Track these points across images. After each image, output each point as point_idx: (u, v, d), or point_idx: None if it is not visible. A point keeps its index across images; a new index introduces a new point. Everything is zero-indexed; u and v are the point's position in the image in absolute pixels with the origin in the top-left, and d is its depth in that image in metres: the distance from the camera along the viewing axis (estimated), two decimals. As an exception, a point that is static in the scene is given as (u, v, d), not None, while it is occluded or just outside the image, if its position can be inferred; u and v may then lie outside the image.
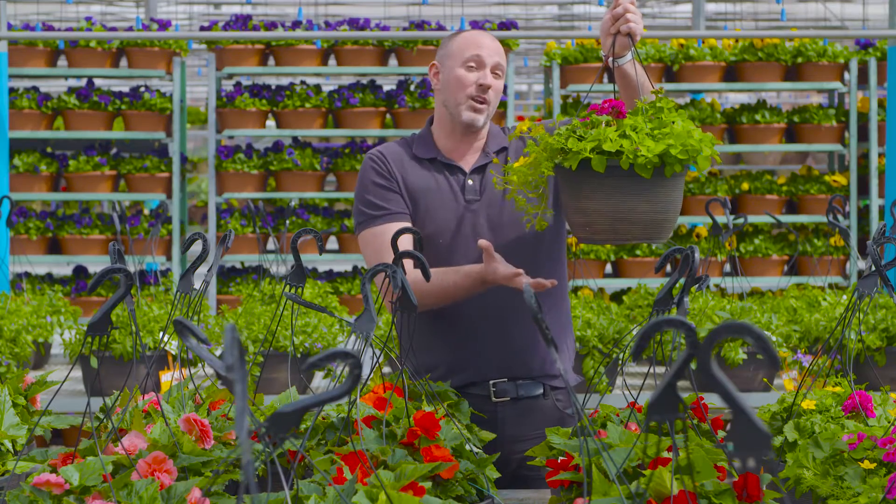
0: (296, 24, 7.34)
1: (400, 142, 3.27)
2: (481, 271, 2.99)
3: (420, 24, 7.43)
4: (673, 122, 2.70)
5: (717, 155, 2.76)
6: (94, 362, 4.54)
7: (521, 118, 9.14)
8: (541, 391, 3.21)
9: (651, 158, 2.65)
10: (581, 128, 2.74)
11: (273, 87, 7.44)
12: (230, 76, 7.58)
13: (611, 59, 2.99)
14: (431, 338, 3.19)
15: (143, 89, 7.41)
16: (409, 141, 3.26)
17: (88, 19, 7.30)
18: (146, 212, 9.29)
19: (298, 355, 4.95)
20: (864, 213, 7.63)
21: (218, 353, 4.86)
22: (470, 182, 3.18)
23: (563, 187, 2.84)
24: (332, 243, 7.97)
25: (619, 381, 5.00)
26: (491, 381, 3.18)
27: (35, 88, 7.46)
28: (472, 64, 3.16)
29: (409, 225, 3.11)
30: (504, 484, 2.93)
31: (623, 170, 2.69)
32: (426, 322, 3.17)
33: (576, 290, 6.65)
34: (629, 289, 7.36)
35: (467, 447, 2.47)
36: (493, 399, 3.18)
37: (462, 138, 3.21)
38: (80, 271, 7.58)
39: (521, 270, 2.94)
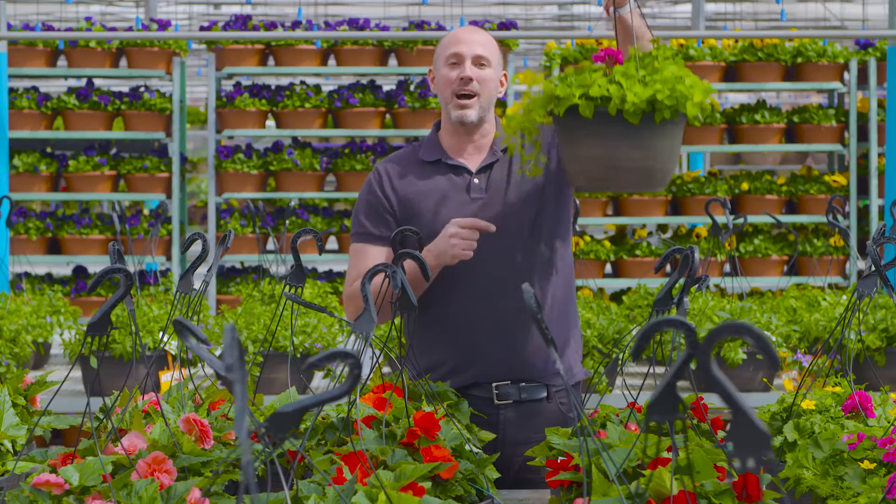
0: (295, 24, 7.34)
1: (410, 147, 3.32)
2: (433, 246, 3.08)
3: (420, 24, 7.43)
4: (666, 69, 2.70)
5: (710, 102, 2.75)
6: (93, 362, 4.53)
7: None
8: (544, 394, 3.21)
9: (638, 104, 2.65)
10: (573, 75, 2.75)
11: (273, 87, 7.43)
12: (230, 76, 7.58)
13: (611, 8, 3.00)
14: (436, 336, 3.19)
15: (142, 89, 7.41)
16: (418, 145, 3.30)
17: (88, 19, 7.30)
18: (146, 212, 9.28)
19: (298, 355, 4.95)
20: (863, 213, 7.63)
21: (218, 353, 4.86)
22: (476, 181, 3.20)
23: (559, 135, 2.86)
24: (331, 243, 7.97)
25: (618, 381, 5.00)
26: (494, 384, 3.18)
27: (35, 88, 7.46)
28: (454, 61, 3.19)
29: (380, 251, 3.20)
30: (506, 488, 2.93)
31: (612, 116, 2.69)
32: (431, 321, 3.18)
33: (576, 290, 6.65)
34: (629, 289, 7.36)
35: (467, 447, 2.47)
36: (496, 402, 3.18)
37: (464, 137, 3.23)
38: (79, 271, 7.57)
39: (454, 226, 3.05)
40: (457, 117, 3.18)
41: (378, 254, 3.19)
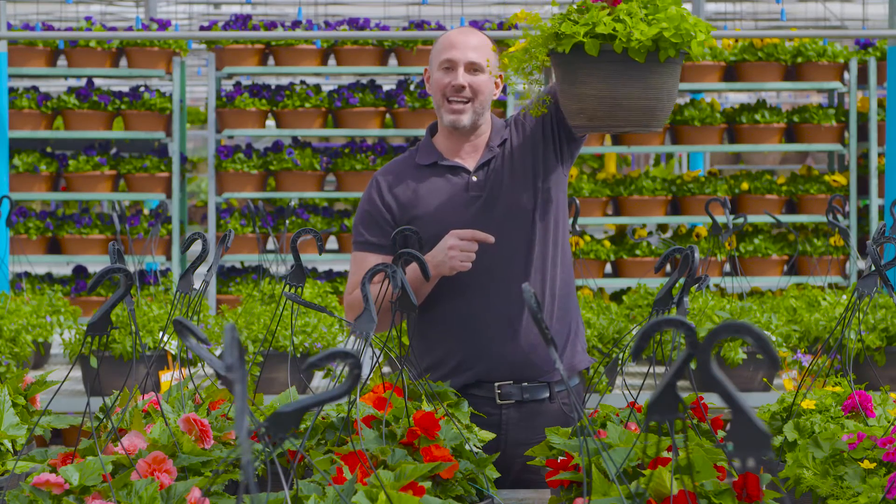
0: (296, 24, 7.34)
1: (406, 153, 3.33)
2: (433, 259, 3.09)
3: (420, 24, 7.43)
4: (668, 8, 2.72)
5: (712, 40, 2.78)
6: (93, 362, 4.54)
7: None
8: (546, 395, 3.21)
9: (644, 42, 2.66)
10: (575, 13, 2.75)
11: (273, 87, 7.43)
12: (230, 76, 7.58)
13: None
14: (438, 335, 3.19)
15: (142, 89, 7.41)
16: (413, 151, 3.31)
17: (88, 19, 7.30)
18: (146, 212, 9.28)
19: (298, 355, 4.95)
20: (863, 213, 7.62)
21: (218, 352, 4.86)
22: (474, 179, 3.21)
23: (558, 73, 2.86)
24: (331, 243, 7.97)
25: (619, 380, 5.00)
26: (496, 384, 3.18)
27: (35, 88, 7.46)
28: (447, 66, 3.19)
29: (380, 257, 3.20)
30: (507, 488, 2.94)
31: (617, 54, 2.70)
32: (433, 320, 3.18)
33: (576, 289, 6.64)
34: (629, 288, 7.36)
35: (467, 447, 2.47)
36: (498, 401, 3.18)
37: (459, 138, 3.23)
38: (79, 271, 7.57)
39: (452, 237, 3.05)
40: (450, 122, 3.19)
41: (377, 262, 3.20)
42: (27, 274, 7.25)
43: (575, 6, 2.78)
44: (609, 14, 2.71)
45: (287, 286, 2.79)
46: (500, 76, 3.24)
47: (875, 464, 2.32)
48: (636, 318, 5.57)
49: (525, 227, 3.18)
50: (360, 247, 3.25)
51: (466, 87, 3.15)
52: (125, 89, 7.80)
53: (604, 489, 2.07)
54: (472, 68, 3.16)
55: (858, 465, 2.33)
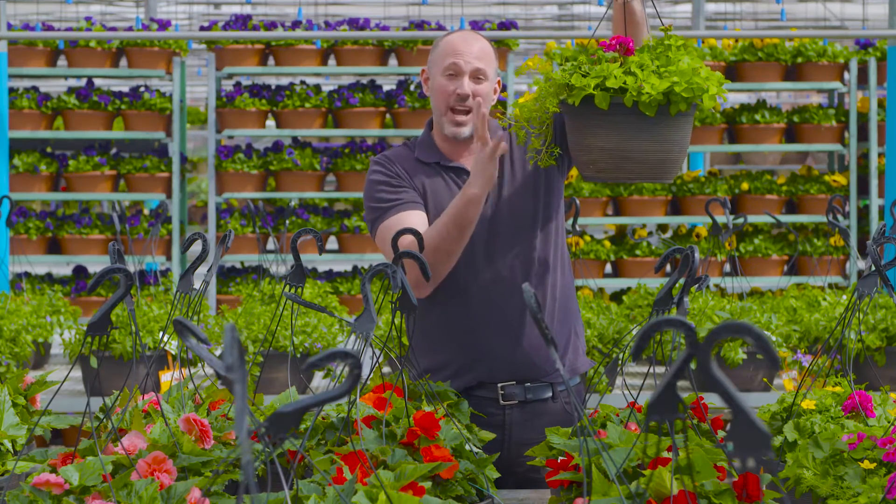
0: (296, 24, 7.34)
1: (403, 145, 3.28)
2: (468, 178, 2.98)
3: (420, 24, 7.43)
4: (681, 61, 2.68)
5: (724, 94, 2.74)
6: (93, 362, 4.53)
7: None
8: (549, 394, 3.21)
9: (655, 96, 2.63)
10: (586, 64, 2.72)
11: (273, 87, 7.43)
12: (230, 76, 7.58)
13: None
14: (441, 338, 3.19)
15: (142, 89, 7.41)
16: (411, 145, 3.27)
17: (88, 19, 7.30)
18: (146, 212, 9.28)
19: (298, 355, 4.95)
20: (863, 213, 7.63)
21: (218, 352, 4.86)
22: None
23: (569, 124, 2.82)
24: (331, 243, 7.97)
25: (619, 380, 5.00)
26: (499, 384, 3.18)
27: (35, 88, 7.46)
28: (451, 72, 3.15)
29: (421, 214, 3.10)
30: (512, 488, 2.93)
31: (627, 107, 2.66)
32: (435, 322, 3.17)
33: (576, 289, 6.65)
34: (629, 289, 7.36)
35: (467, 447, 2.47)
36: (501, 402, 3.18)
37: (458, 144, 3.21)
38: (79, 271, 7.57)
39: (490, 142, 2.90)
40: (452, 134, 3.15)
41: (414, 217, 3.09)
42: (27, 274, 7.25)
43: (585, 55, 2.75)
44: (621, 66, 2.67)
45: (287, 286, 2.79)
46: (499, 81, 3.24)
47: (875, 464, 2.32)
48: (636, 319, 5.57)
49: (526, 232, 3.17)
50: (396, 210, 3.09)
51: (470, 96, 3.14)
52: (125, 89, 7.80)
53: (604, 489, 2.07)
54: (477, 76, 3.14)
55: (858, 465, 2.33)
